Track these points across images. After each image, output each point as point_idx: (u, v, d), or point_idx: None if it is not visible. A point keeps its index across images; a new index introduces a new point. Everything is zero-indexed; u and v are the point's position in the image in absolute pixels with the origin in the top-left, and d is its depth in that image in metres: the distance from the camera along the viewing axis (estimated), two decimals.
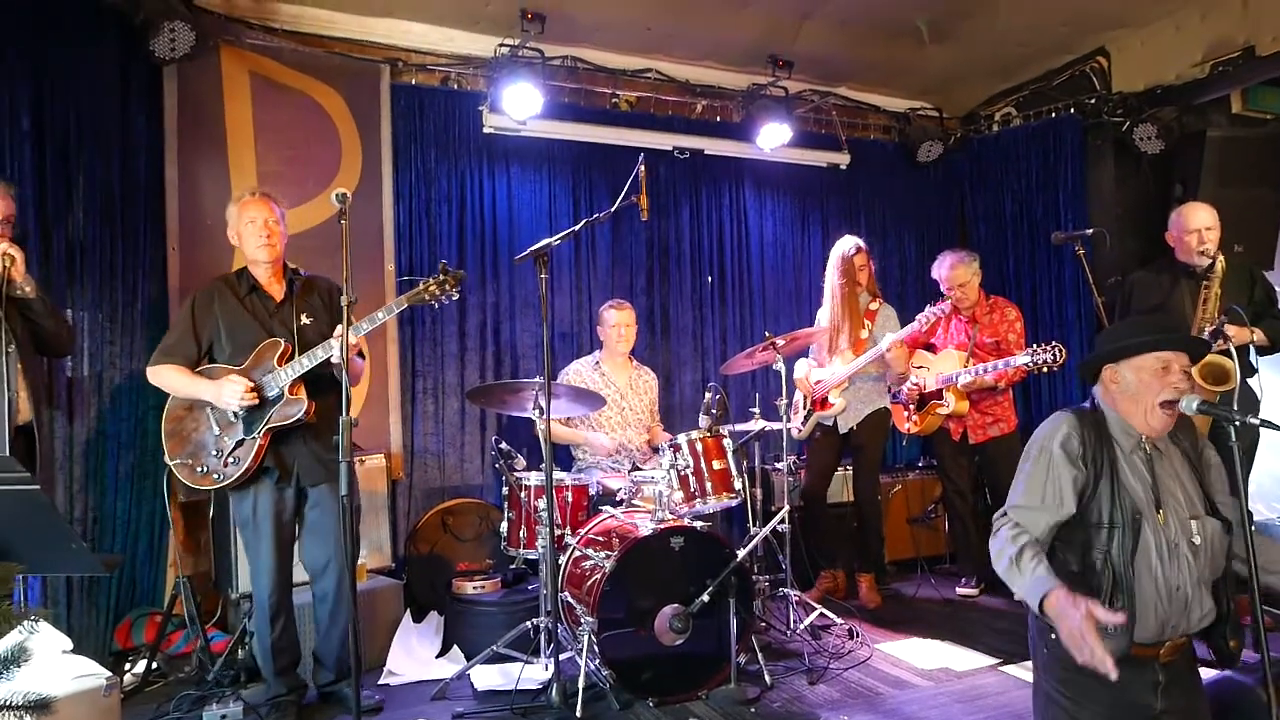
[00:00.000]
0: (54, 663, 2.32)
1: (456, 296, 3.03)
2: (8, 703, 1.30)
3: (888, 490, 5.17)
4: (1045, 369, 3.87)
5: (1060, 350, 3.87)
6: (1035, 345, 3.91)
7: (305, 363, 2.97)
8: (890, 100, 6.06)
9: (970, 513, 4.70)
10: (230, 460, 2.99)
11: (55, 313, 3.05)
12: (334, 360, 2.93)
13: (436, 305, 3.02)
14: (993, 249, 5.83)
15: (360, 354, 3.24)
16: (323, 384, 3.03)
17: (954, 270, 4.50)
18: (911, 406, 4.55)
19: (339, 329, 2.84)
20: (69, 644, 2.51)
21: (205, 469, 3.01)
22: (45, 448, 3.02)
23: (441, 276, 2.98)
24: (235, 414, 2.99)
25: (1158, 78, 5.11)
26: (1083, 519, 2.02)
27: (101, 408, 3.69)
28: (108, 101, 3.77)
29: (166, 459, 3.06)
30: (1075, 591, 1.90)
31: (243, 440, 2.99)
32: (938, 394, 4.45)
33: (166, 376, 3.05)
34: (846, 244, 4.49)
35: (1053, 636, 2.05)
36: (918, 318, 4.23)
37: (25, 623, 1.45)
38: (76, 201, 3.63)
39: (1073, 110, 5.50)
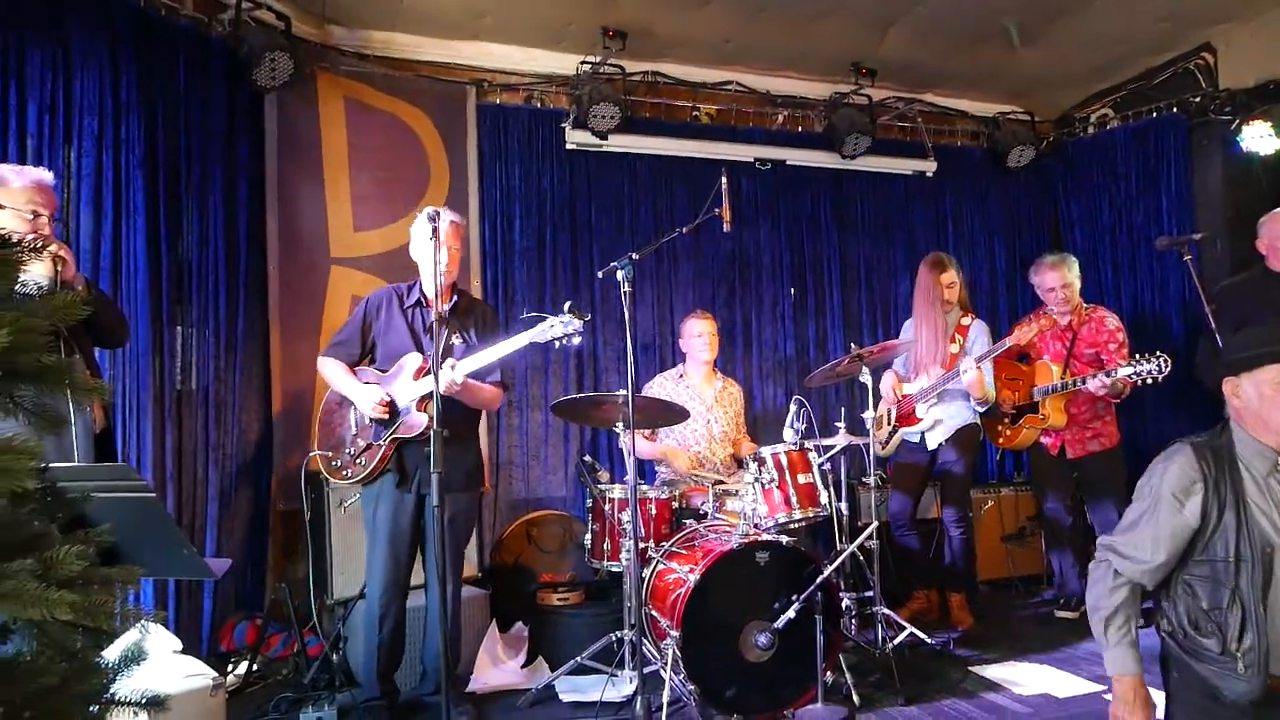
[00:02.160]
0: (166, 663, 2.43)
1: (579, 340, 3.01)
2: (128, 699, 1.36)
3: (979, 506, 5.00)
4: (1150, 380, 3.69)
5: (1166, 360, 3.67)
6: (1139, 355, 3.73)
7: (430, 383, 3.06)
8: (978, 105, 5.90)
9: (1068, 531, 4.50)
10: (358, 460, 3.17)
11: (109, 304, 2.97)
12: (440, 392, 2.97)
13: (557, 345, 3.02)
14: (1089, 257, 5.60)
15: (504, 385, 3.35)
16: (451, 400, 3.07)
17: (1054, 271, 4.30)
18: (1006, 420, 4.39)
19: (448, 362, 2.99)
20: (179, 645, 2.63)
21: (339, 463, 3.23)
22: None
23: (567, 317, 2.95)
24: (370, 420, 3.15)
25: (1270, 72, 4.83)
26: (1208, 554, 1.92)
27: (207, 419, 3.87)
28: (214, 129, 3.97)
29: (315, 448, 3.31)
30: (1201, 630, 1.91)
31: (371, 444, 3.15)
32: (1033, 407, 4.28)
33: (328, 368, 3.27)
34: (929, 261, 4.36)
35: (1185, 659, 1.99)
36: (1015, 333, 4.04)
37: (140, 624, 1.52)
38: (187, 225, 3.83)
39: (1175, 109, 5.25)
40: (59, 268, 2.46)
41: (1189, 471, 1.94)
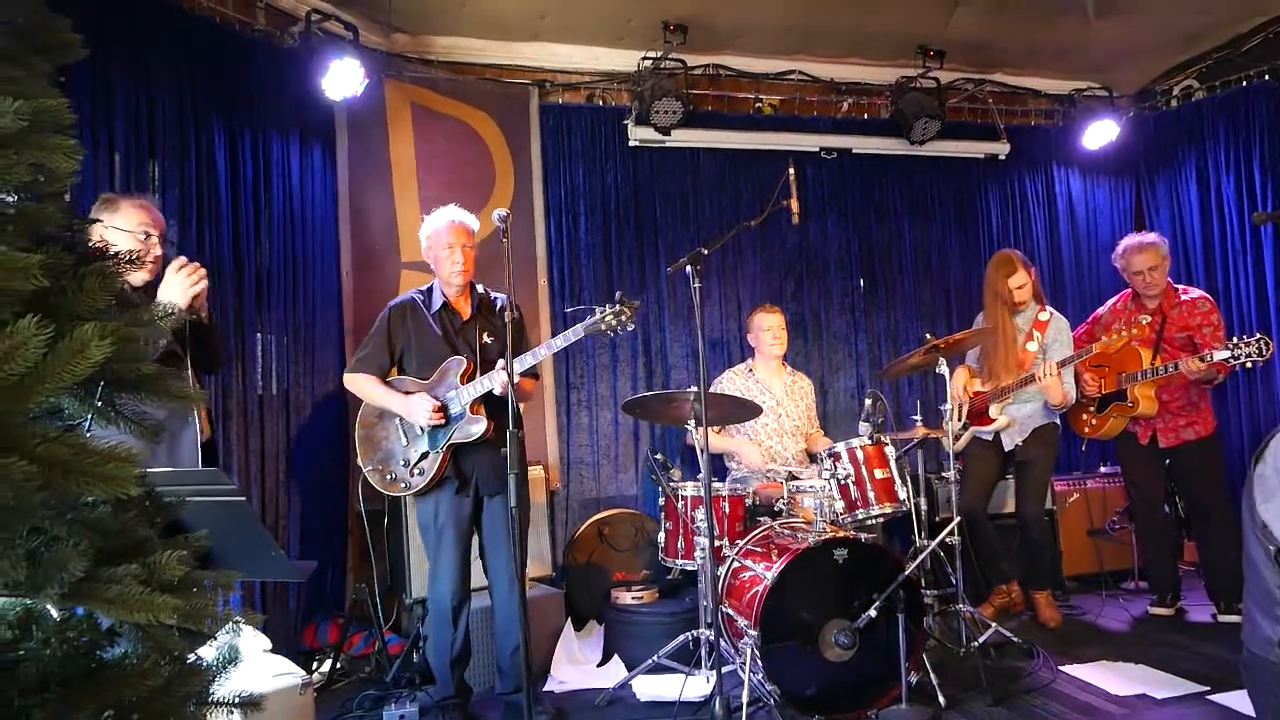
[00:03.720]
0: (257, 662, 2.49)
1: (632, 328, 3.02)
2: (226, 700, 1.39)
3: (1064, 499, 4.83)
4: (1250, 364, 3.50)
5: (1266, 343, 3.49)
6: (1236, 338, 3.54)
7: (484, 384, 3.09)
8: (1051, 83, 5.70)
9: (1162, 525, 4.30)
10: (416, 471, 3.15)
11: (220, 333, 3.10)
12: (495, 392, 3.06)
13: (612, 335, 3.02)
14: (1177, 236, 5.37)
15: (534, 374, 3.35)
16: (501, 399, 3.12)
17: (1141, 253, 4.08)
18: (1091, 408, 4.21)
19: (500, 362, 3.00)
20: (268, 644, 2.70)
21: (394, 476, 3.20)
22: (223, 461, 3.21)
23: (618, 307, 2.97)
24: (421, 428, 3.14)
25: None
26: None
27: (287, 423, 3.97)
28: (289, 139, 4.08)
29: (359, 462, 3.27)
30: None
31: (427, 453, 3.15)
32: (1120, 395, 4.10)
33: (361, 384, 3.25)
34: (995, 262, 4.16)
35: None
36: (1103, 340, 3.81)
37: (231, 625, 1.55)
38: (264, 234, 3.93)
39: (1267, 77, 4.99)
40: (195, 290, 2.63)
41: None
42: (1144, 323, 3.85)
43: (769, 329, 4.27)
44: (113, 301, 1.13)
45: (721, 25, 4.74)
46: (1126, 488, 4.52)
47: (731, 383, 4.32)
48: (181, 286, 2.65)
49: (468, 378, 3.13)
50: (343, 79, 3.98)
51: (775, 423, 4.24)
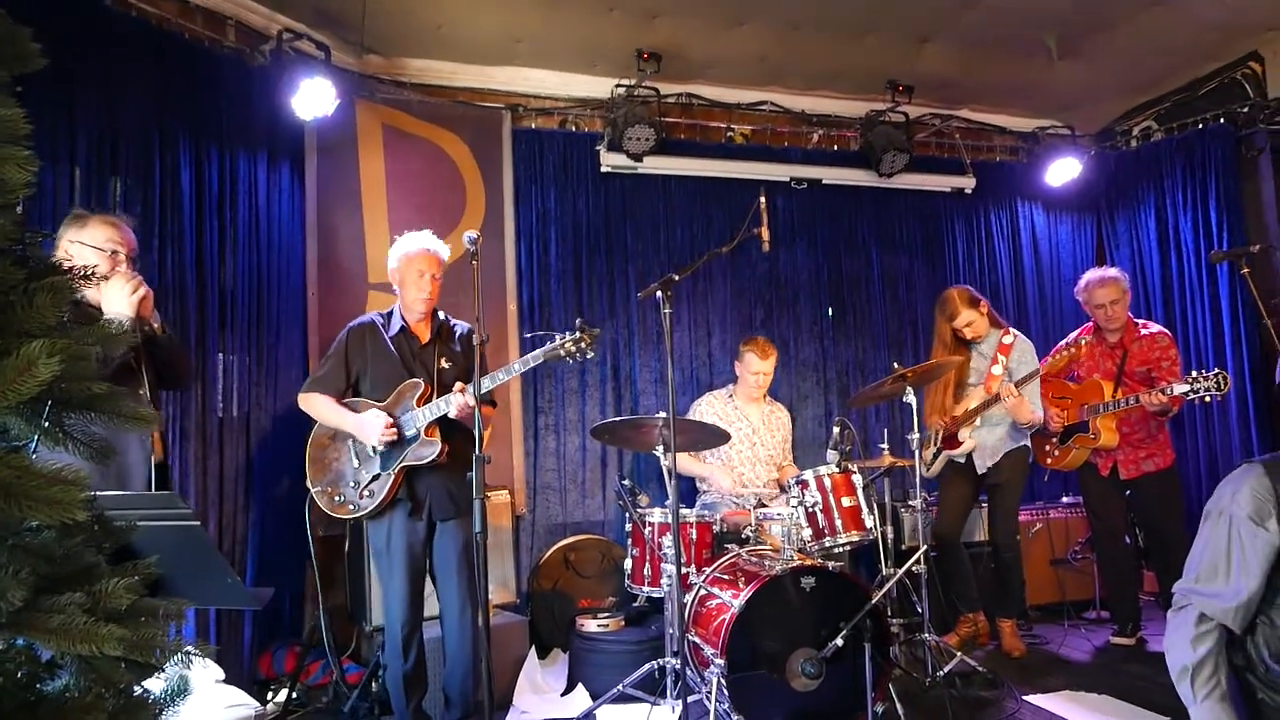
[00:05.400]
0: (208, 693, 2.41)
1: (592, 355, 3.01)
2: None
3: (1028, 529, 4.87)
4: (1208, 398, 3.57)
5: (1224, 378, 3.56)
6: (1195, 372, 3.62)
7: (439, 408, 3.05)
8: (1016, 120, 5.83)
9: (1123, 555, 4.35)
10: (366, 493, 3.09)
11: (181, 349, 3.06)
12: (450, 415, 3.04)
13: (571, 362, 3.00)
14: (1136, 272, 5.49)
15: (492, 402, 3.29)
16: (456, 423, 3.12)
17: (1103, 287, 4.16)
18: (1054, 440, 4.27)
19: (457, 385, 3.00)
20: (221, 674, 2.61)
21: (343, 498, 3.13)
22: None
23: (578, 334, 2.96)
24: (374, 449, 3.09)
25: None
26: (1276, 595, 1.77)
27: (248, 445, 3.88)
28: (257, 158, 4.03)
29: (308, 484, 3.20)
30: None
31: (379, 475, 3.09)
32: (1082, 426, 4.16)
33: (315, 404, 3.19)
34: (939, 304, 4.22)
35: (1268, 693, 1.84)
36: (1047, 360, 3.95)
37: (180, 655, 1.49)
38: (229, 253, 3.86)
39: (1222, 120, 5.14)
40: (138, 295, 2.55)
41: (1260, 492, 1.81)
42: (1082, 344, 3.92)
43: (756, 373, 4.25)
44: (65, 318, 1.09)
45: (695, 55, 4.79)
46: (1088, 518, 4.58)
47: (710, 406, 4.31)
48: (124, 293, 2.54)
49: (424, 400, 3.10)
50: (313, 99, 3.94)
51: (749, 450, 4.23)
